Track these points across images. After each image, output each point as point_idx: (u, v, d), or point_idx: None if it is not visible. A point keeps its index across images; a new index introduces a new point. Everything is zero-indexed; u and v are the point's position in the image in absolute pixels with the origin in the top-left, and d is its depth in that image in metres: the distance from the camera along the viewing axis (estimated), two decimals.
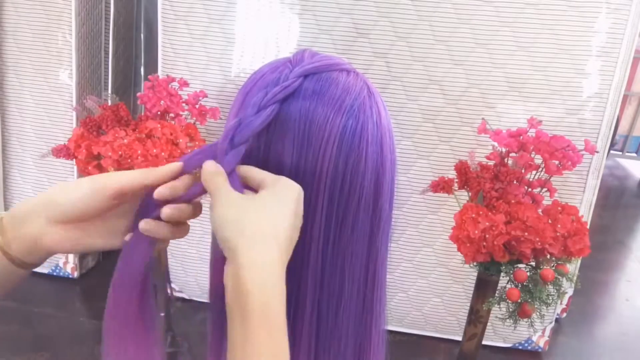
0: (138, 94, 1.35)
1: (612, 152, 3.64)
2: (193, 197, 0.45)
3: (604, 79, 1.48)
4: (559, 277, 1.13)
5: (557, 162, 1.16)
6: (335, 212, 0.46)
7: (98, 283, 1.95)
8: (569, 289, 1.71)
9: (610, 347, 1.90)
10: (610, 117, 1.51)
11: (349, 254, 0.48)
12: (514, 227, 1.09)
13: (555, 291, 1.14)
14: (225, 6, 1.56)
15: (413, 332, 1.82)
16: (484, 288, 1.28)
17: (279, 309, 0.39)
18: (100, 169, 1.25)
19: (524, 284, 1.14)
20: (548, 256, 1.12)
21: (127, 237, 0.45)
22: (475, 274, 1.30)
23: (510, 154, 1.21)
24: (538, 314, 1.14)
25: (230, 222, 0.40)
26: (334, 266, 0.47)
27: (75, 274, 1.95)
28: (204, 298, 1.88)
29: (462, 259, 1.17)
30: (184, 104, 1.37)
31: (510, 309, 1.15)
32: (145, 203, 0.45)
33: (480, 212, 1.11)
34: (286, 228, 0.41)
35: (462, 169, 1.25)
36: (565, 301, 1.89)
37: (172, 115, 1.35)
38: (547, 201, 1.20)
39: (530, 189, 1.20)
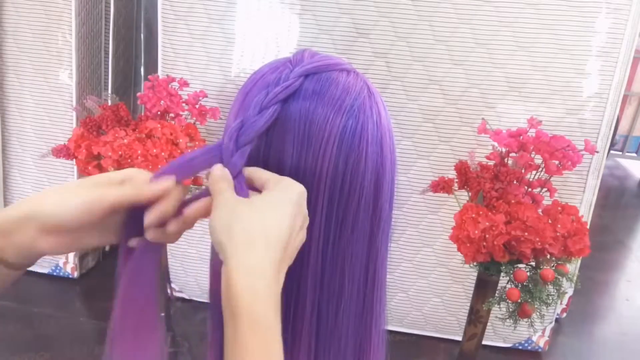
0: (138, 94, 1.35)
1: (612, 152, 3.64)
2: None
3: (604, 79, 1.48)
4: (559, 277, 1.13)
5: (557, 162, 1.16)
6: (335, 212, 0.46)
7: (98, 283, 1.95)
8: (569, 289, 1.71)
9: (610, 347, 1.90)
10: (610, 117, 1.51)
11: (349, 254, 0.48)
12: (514, 227, 1.09)
13: (555, 291, 1.14)
14: (225, 6, 1.56)
15: (413, 332, 1.82)
16: (484, 288, 1.28)
17: (268, 311, 0.38)
18: (100, 169, 1.25)
19: (524, 284, 1.14)
20: (548, 256, 1.12)
21: (134, 243, 0.45)
22: (475, 274, 1.30)
23: (510, 154, 1.21)
24: (538, 314, 1.14)
25: (223, 226, 0.40)
26: (334, 266, 0.47)
27: (75, 274, 1.95)
28: (204, 298, 1.88)
29: (462, 259, 1.17)
30: (184, 104, 1.37)
31: (510, 309, 1.15)
32: (133, 214, 0.45)
33: (480, 212, 1.11)
34: (280, 230, 0.40)
35: (462, 169, 1.25)
36: (565, 301, 1.89)
37: (172, 115, 1.36)
38: (547, 201, 1.20)
39: (530, 189, 1.20)
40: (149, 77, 1.36)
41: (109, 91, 1.90)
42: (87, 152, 1.26)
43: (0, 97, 1.82)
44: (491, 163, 1.23)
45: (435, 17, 1.48)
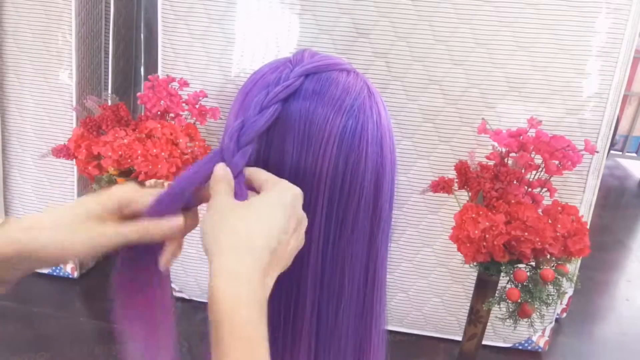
0: (138, 94, 1.35)
1: (612, 152, 3.64)
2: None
3: (604, 79, 1.48)
4: (559, 277, 1.13)
5: (557, 162, 1.16)
6: (335, 212, 0.46)
7: (98, 283, 1.95)
8: (569, 289, 1.71)
9: (610, 347, 1.90)
10: (610, 117, 1.51)
11: (349, 254, 0.48)
12: (514, 227, 1.09)
13: (555, 291, 1.14)
14: (225, 6, 1.56)
15: (413, 332, 1.82)
16: (484, 288, 1.28)
17: (252, 317, 0.37)
18: (100, 169, 1.25)
19: (524, 284, 1.14)
20: (548, 256, 1.12)
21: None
22: (475, 274, 1.30)
23: (510, 154, 1.21)
24: (538, 314, 1.14)
25: (210, 230, 0.40)
26: (334, 266, 0.47)
27: (75, 274, 1.95)
28: (204, 298, 1.88)
29: (462, 259, 1.17)
30: (184, 104, 1.37)
31: (510, 309, 1.16)
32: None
33: (480, 212, 1.11)
34: (269, 234, 0.39)
35: (462, 169, 1.25)
36: (565, 301, 1.89)
37: (172, 115, 1.36)
38: (547, 201, 1.20)
39: (530, 189, 1.20)
40: (149, 77, 1.37)
41: (109, 91, 1.89)
42: (87, 152, 1.26)
43: (0, 97, 1.82)
44: (491, 163, 1.23)
45: (435, 17, 1.48)
